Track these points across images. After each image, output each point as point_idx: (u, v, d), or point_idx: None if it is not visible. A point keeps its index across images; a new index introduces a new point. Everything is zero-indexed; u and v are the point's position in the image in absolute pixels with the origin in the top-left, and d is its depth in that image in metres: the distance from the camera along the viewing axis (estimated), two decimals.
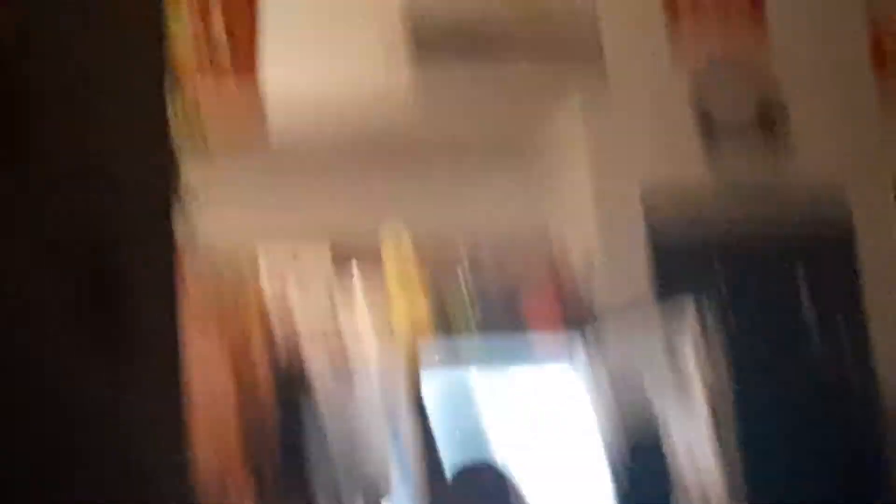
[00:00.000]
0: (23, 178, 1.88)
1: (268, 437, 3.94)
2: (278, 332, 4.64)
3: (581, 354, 5.06)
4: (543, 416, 4.05)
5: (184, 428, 2.26)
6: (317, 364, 4.58)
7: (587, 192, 5.25)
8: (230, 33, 5.07)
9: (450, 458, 3.67)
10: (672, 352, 4.65)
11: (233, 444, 3.97)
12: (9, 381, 1.86)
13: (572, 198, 5.41)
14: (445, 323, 5.17)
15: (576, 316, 5.17)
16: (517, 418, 4.78)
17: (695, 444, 4.57)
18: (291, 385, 4.35)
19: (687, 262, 5.11)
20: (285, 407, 4.20)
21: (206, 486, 2.53)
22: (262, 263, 4.99)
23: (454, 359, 4.55)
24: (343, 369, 4.73)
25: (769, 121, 5.28)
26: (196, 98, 4.56)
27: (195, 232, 3.02)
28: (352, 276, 5.18)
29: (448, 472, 3.29)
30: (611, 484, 2.49)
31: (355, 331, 5.12)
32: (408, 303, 5.15)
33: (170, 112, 1.95)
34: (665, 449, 2.54)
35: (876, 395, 5.13)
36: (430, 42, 5.12)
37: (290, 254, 5.21)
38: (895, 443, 5.06)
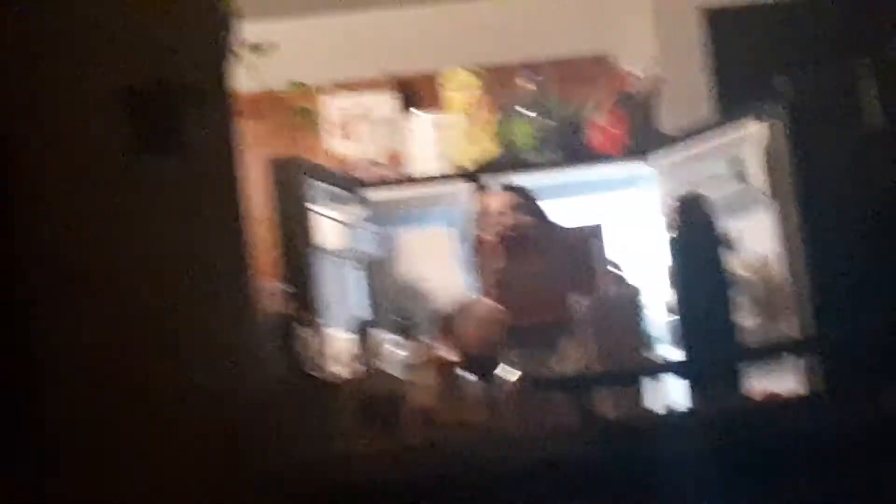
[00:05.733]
0: None
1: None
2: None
3: (646, 181, 5.15)
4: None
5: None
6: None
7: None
8: None
9: None
10: (738, 171, 4.71)
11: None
12: None
13: (632, 18, 5.43)
14: (511, 154, 5.24)
15: (640, 142, 5.22)
16: None
17: (763, 259, 4.65)
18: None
19: (750, 80, 5.11)
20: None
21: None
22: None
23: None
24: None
25: None
26: None
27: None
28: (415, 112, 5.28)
29: None
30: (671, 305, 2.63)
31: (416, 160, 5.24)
32: (471, 135, 5.23)
33: None
34: (728, 267, 2.67)
35: None
36: None
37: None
38: None
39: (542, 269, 3.30)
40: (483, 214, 4.01)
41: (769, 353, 2.80)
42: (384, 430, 2.64)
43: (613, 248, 3.16)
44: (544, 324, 3.54)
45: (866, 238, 4.82)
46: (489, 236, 3.91)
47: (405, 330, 3.09)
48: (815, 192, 4.64)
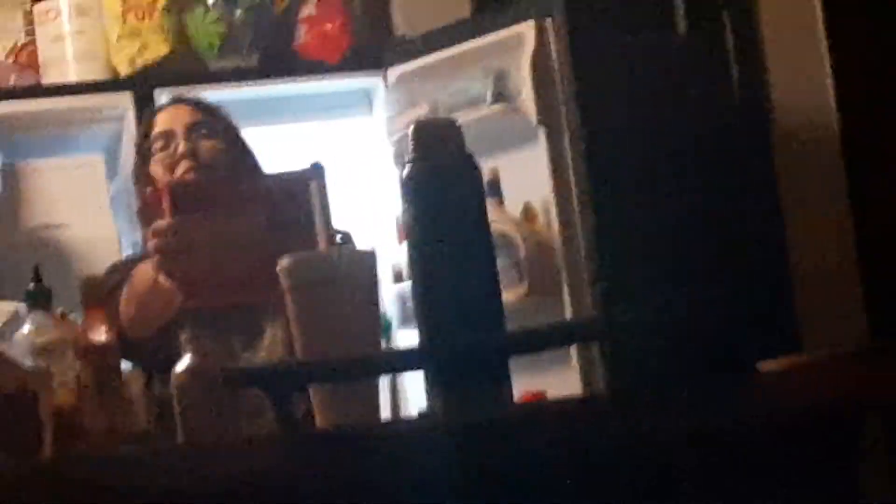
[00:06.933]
0: None
1: None
2: None
3: (378, 98, 5.30)
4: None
5: None
6: None
7: None
8: None
9: None
10: (498, 89, 4.85)
11: None
12: None
13: None
14: (186, 58, 5.31)
15: (366, 45, 5.34)
16: None
17: (531, 210, 4.82)
18: None
19: None
20: None
21: None
22: None
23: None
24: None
25: None
26: None
27: None
28: None
29: None
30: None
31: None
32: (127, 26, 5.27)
33: None
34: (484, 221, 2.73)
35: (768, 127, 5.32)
36: None
37: None
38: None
39: (233, 226, 3.31)
40: (146, 139, 4.03)
41: (534, 339, 2.89)
42: (4, 440, 2.70)
43: (336, 197, 3.23)
44: (240, 305, 3.64)
45: (669, 183, 4.89)
46: (156, 171, 3.96)
47: (36, 298, 3.13)
48: (600, 119, 4.77)
